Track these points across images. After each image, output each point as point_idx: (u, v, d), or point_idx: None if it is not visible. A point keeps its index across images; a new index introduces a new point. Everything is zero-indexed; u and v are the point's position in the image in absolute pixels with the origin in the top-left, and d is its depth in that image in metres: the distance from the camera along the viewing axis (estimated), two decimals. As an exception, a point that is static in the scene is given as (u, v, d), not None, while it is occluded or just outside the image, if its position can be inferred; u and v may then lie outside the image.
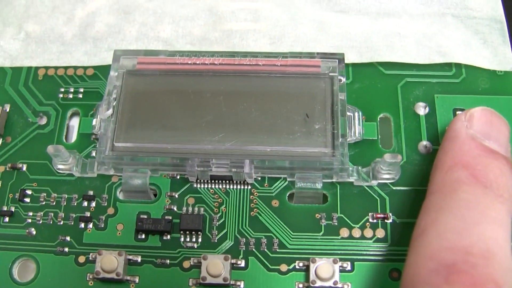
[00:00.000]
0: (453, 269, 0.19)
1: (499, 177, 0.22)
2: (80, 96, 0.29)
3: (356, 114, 0.27)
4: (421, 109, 0.28)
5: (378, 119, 0.28)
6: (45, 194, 0.27)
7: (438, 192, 0.22)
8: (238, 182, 0.27)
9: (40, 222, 0.27)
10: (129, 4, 0.31)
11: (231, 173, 0.26)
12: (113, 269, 0.25)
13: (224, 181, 0.27)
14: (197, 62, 0.28)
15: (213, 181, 0.27)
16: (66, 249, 0.26)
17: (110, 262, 0.25)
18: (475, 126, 0.23)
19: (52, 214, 0.27)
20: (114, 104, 0.27)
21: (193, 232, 0.26)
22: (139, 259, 0.26)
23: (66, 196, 0.27)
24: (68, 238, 0.26)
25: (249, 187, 0.27)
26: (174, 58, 0.28)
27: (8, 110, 0.29)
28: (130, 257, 0.26)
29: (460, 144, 0.23)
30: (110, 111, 0.27)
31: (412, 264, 0.21)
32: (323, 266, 0.25)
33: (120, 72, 0.28)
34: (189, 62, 0.28)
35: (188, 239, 0.26)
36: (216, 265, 0.25)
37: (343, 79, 0.27)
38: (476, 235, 0.20)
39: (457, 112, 0.28)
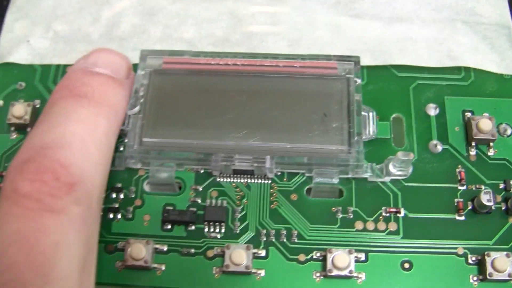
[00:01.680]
0: (26, 161, 0.22)
1: (97, 88, 0.25)
2: (108, 93, 0.31)
3: (371, 114, 0.29)
4: (432, 110, 0.30)
5: (391, 119, 0.30)
6: (75, 186, 0.29)
7: (42, 111, 0.25)
8: (259, 176, 0.28)
9: (70, 212, 0.28)
10: (154, 6, 0.33)
11: (253, 168, 0.28)
12: (141, 257, 0.26)
13: (246, 176, 0.28)
14: (220, 63, 0.29)
15: (235, 175, 0.28)
16: (95, 238, 0.28)
17: (138, 250, 0.27)
18: (87, 60, 0.26)
19: (82, 205, 0.28)
20: (141, 101, 0.29)
21: (217, 223, 0.28)
22: (165, 248, 0.27)
23: (95, 188, 0.29)
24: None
25: (270, 181, 0.28)
26: (198, 59, 0.30)
27: (38, 106, 0.31)
28: (157, 246, 0.27)
29: (69, 73, 0.26)
30: (137, 108, 0.29)
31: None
32: (340, 256, 0.26)
33: (147, 71, 0.29)
34: (213, 63, 0.29)
35: (212, 230, 0.28)
36: (239, 254, 0.26)
37: (359, 81, 0.29)
38: (56, 133, 0.23)
39: (466, 114, 0.30)
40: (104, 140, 0.24)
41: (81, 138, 0.23)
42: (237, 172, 0.28)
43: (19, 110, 0.30)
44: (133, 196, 0.28)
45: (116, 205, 0.28)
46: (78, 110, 0.24)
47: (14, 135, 0.30)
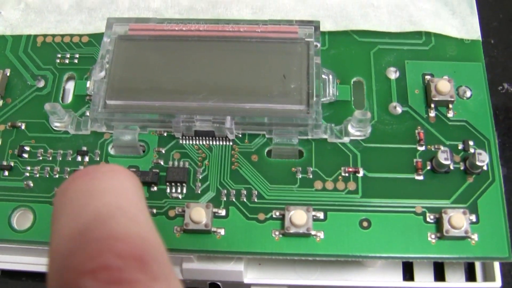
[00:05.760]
0: (69, 256, 0.17)
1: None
2: (76, 61, 0.31)
3: (331, 76, 0.29)
4: (392, 74, 0.30)
5: (352, 82, 0.30)
6: (42, 150, 0.29)
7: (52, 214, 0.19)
8: (221, 138, 0.29)
9: (37, 175, 0.29)
10: (122, -23, 0.33)
11: (213, 129, 0.28)
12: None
13: (207, 138, 0.29)
14: (184, 29, 0.30)
15: (197, 137, 0.29)
16: (61, 200, 0.28)
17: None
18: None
19: (49, 168, 0.29)
20: (107, 67, 0.29)
21: (178, 184, 0.28)
22: (128, 208, 0.28)
23: (62, 152, 0.29)
24: (62, 190, 0.28)
25: (231, 143, 0.29)
26: (162, 25, 0.30)
27: (8, 74, 0.31)
28: (120, 206, 0.28)
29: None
30: (103, 73, 0.29)
31: None
32: (297, 214, 0.27)
33: (113, 38, 0.30)
34: (176, 29, 0.30)
35: (173, 190, 0.28)
36: (198, 212, 0.27)
37: (319, 45, 0.29)
38: (89, 212, 0.18)
39: (426, 77, 0.30)
40: (139, 200, 0.19)
41: (118, 206, 0.18)
42: (199, 134, 0.29)
43: (-11, 77, 0.31)
44: (98, 159, 0.29)
45: (81, 168, 0.29)
46: (99, 185, 0.19)
47: (-17, 103, 0.31)
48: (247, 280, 0.29)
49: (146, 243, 0.17)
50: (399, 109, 0.29)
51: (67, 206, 0.19)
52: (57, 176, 0.29)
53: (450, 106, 0.29)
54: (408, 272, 0.29)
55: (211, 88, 0.28)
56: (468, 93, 0.30)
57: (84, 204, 0.18)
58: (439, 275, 0.29)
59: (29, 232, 0.28)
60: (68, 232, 0.17)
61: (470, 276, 0.29)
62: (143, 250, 0.17)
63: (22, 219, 0.29)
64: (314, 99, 0.28)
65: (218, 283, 0.29)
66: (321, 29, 0.30)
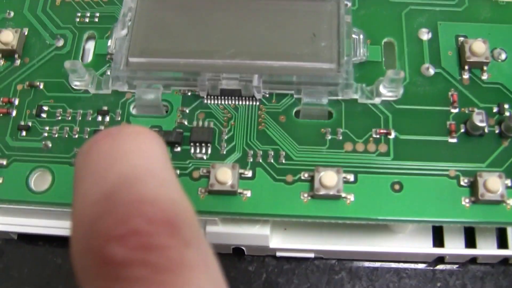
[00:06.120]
0: (96, 220, 0.16)
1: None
2: (96, 20, 0.30)
3: (361, 36, 0.28)
4: (424, 35, 0.29)
5: (383, 43, 0.29)
6: (61, 110, 0.28)
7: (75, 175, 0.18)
8: (247, 98, 0.28)
9: (56, 135, 0.28)
10: None
11: (240, 87, 0.27)
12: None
13: (233, 97, 0.28)
14: (209, -15, 0.29)
15: (223, 97, 0.28)
16: (81, 161, 0.27)
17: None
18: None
19: (68, 128, 0.28)
20: (128, 24, 0.28)
21: (203, 144, 0.27)
22: (150, 168, 0.27)
23: (82, 111, 0.28)
24: (82, 150, 0.27)
25: (257, 103, 0.28)
26: (187, -18, 0.29)
27: (26, 33, 0.30)
28: (142, 166, 0.27)
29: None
30: (125, 31, 0.28)
31: None
32: (327, 175, 0.26)
33: (135, -5, 0.29)
34: (202, -15, 0.29)
35: (198, 151, 0.27)
36: (224, 172, 0.26)
37: (349, 4, 0.28)
38: (115, 174, 0.17)
39: (459, 38, 0.29)
40: (166, 162, 0.18)
41: (145, 168, 0.17)
42: (225, 93, 0.28)
43: (7, 36, 0.29)
44: (119, 119, 0.28)
45: (102, 128, 0.28)
46: (124, 147, 0.18)
47: (1, 62, 0.30)
48: (272, 244, 0.28)
49: (177, 206, 0.16)
50: (431, 71, 0.28)
51: (91, 168, 0.17)
52: (76, 136, 0.28)
53: (485, 68, 0.28)
54: (438, 239, 0.28)
55: (238, 47, 0.27)
56: (503, 56, 0.28)
57: (109, 166, 0.17)
58: (470, 242, 0.28)
59: (47, 193, 0.27)
60: (93, 196, 0.16)
61: (502, 243, 0.28)
62: (174, 214, 0.16)
63: (40, 180, 0.28)
64: (345, 58, 0.27)
65: (242, 248, 0.28)
66: (351, -12, 0.29)
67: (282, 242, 0.28)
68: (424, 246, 0.28)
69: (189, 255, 0.15)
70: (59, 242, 0.30)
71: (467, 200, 0.26)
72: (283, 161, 0.27)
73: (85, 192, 0.17)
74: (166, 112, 0.28)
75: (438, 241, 0.28)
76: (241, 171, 0.26)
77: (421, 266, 0.29)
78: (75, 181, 0.18)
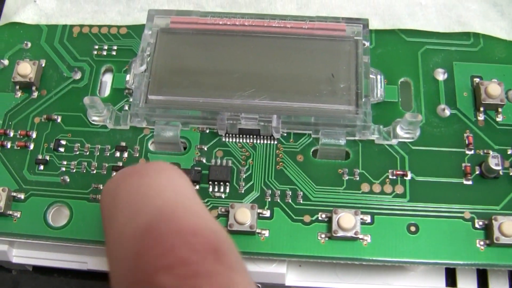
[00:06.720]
0: (141, 251, 0.16)
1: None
2: (114, 53, 0.31)
3: (379, 76, 0.29)
4: (440, 75, 0.29)
5: (399, 83, 0.29)
6: (79, 145, 0.29)
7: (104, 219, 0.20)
8: (265, 137, 0.28)
9: (74, 170, 0.28)
10: (161, -32, 0.32)
11: (259, 127, 0.27)
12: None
13: (251, 136, 0.28)
14: (228, 23, 0.29)
15: (241, 135, 0.28)
16: (99, 197, 0.27)
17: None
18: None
19: (86, 164, 0.28)
20: (147, 60, 0.29)
21: (221, 183, 0.27)
22: (169, 206, 0.27)
23: (100, 146, 0.28)
24: (101, 186, 0.28)
25: (276, 142, 0.28)
26: (205, 19, 0.29)
27: (43, 65, 0.30)
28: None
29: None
30: (144, 67, 0.28)
31: None
32: (345, 217, 0.26)
33: (154, 30, 0.29)
34: (220, 23, 0.29)
35: (216, 190, 0.27)
36: (243, 213, 0.26)
37: (367, 43, 0.29)
38: (151, 208, 0.18)
39: (474, 79, 0.29)
40: (195, 195, 0.19)
41: (177, 202, 0.18)
42: (243, 132, 0.28)
43: (25, 68, 0.30)
44: (137, 155, 0.28)
45: (120, 164, 0.28)
46: (154, 183, 0.19)
47: (19, 94, 0.30)
48: (288, 282, 0.28)
49: (218, 234, 0.17)
50: (447, 112, 0.29)
51: (122, 205, 0.18)
52: (94, 171, 0.28)
53: (500, 109, 0.28)
54: (450, 278, 0.29)
55: (257, 86, 0.28)
56: (518, 97, 0.29)
57: (142, 203, 0.18)
58: (482, 282, 0.29)
59: (65, 229, 0.27)
60: (131, 231, 0.17)
61: (514, 283, 0.29)
62: (217, 242, 0.16)
63: (58, 215, 0.28)
64: (363, 99, 0.27)
65: (258, 285, 0.29)
66: (369, 27, 0.29)
67: (297, 279, 0.28)
68: (437, 285, 0.28)
69: (237, 279, 0.16)
70: (73, 274, 0.30)
71: (481, 243, 0.26)
72: (301, 201, 0.27)
73: (121, 229, 0.17)
74: (184, 148, 0.28)
75: (451, 280, 0.29)
76: (259, 210, 0.27)
77: (433, 302, 0.30)
78: (106, 219, 0.18)
